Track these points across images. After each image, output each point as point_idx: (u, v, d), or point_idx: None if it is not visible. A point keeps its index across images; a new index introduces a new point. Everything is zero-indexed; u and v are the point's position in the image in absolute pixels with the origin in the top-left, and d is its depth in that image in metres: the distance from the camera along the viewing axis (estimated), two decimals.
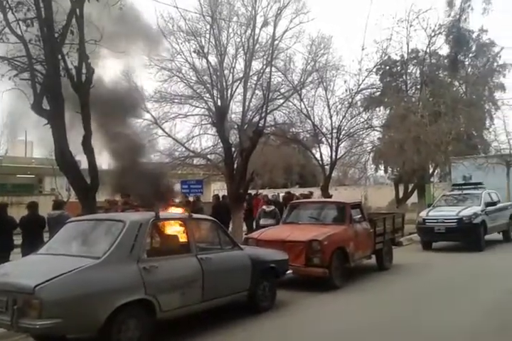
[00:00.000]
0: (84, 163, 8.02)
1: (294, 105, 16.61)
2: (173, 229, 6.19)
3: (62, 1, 7.64)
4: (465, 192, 14.15)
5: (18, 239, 8.04)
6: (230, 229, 12.13)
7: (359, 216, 9.29)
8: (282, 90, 15.84)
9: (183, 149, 15.43)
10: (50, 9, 7.36)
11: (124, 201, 9.06)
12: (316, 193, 17.79)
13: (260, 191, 19.61)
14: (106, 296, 4.56)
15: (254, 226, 12.99)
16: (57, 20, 7.65)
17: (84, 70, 7.67)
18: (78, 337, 4.93)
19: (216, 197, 13.62)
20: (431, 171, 20.94)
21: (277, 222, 11.14)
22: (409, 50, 19.16)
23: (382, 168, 24.28)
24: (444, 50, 23.40)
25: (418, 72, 19.80)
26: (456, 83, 19.97)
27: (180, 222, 6.02)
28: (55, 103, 7.49)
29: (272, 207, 12.07)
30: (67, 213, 8.18)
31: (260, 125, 13.04)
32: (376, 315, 6.29)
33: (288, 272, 7.08)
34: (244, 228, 13.72)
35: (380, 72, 20.27)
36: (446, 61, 22.77)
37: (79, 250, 5.19)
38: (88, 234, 5.46)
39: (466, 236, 12.32)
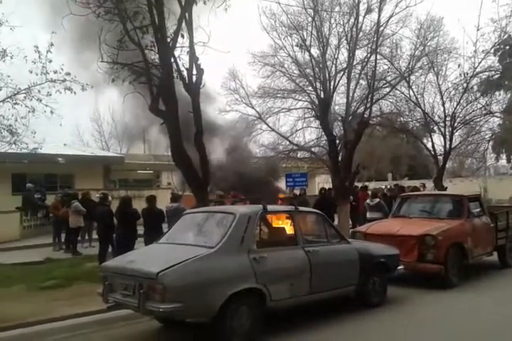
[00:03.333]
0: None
1: (402, 93, 15.89)
2: (281, 221, 6.32)
3: (172, 6, 8.16)
4: None
5: (140, 229, 8.79)
6: (335, 222, 12.00)
7: (478, 209, 8.63)
8: (388, 78, 15.23)
9: (287, 143, 15.60)
10: (162, 16, 7.89)
11: (233, 194, 9.45)
12: (429, 186, 16.84)
13: (366, 183, 19.07)
14: (220, 284, 4.79)
15: (360, 221, 12.70)
16: (168, 25, 8.18)
17: (194, 71, 8.10)
18: (195, 322, 5.28)
19: (321, 189, 13.61)
20: None
21: (384, 215, 10.79)
22: None
23: (504, 157, 22.16)
24: None
25: None
26: None
27: (287, 215, 6.13)
28: (170, 104, 8.03)
29: (377, 200, 11.68)
30: (184, 206, 8.75)
31: (365, 116, 12.66)
32: (494, 317, 5.81)
33: (399, 268, 6.84)
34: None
35: (499, 53, 18.40)
36: None
37: (195, 240, 5.52)
38: (202, 225, 5.78)
39: None
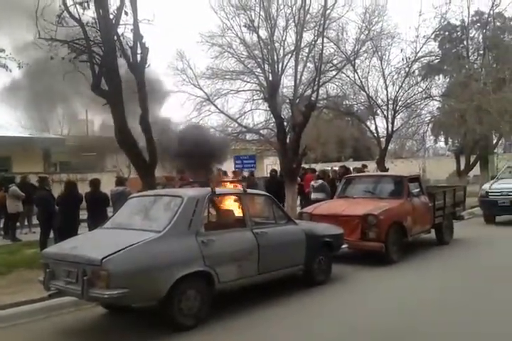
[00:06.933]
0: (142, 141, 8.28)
1: (348, 76, 16.17)
2: (229, 204, 6.34)
3: None
4: None
5: (83, 214, 8.52)
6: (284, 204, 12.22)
7: (417, 189, 9.06)
8: (335, 61, 15.41)
9: (236, 125, 15.54)
10: None
11: (180, 177, 9.33)
12: (371, 166, 17.42)
13: (313, 165, 19.44)
14: (168, 268, 4.76)
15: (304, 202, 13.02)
16: (111, 1, 7.79)
17: (139, 50, 7.82)
18: (142, 306, 5.23)
19: (272, 171, 13.84)
20: (494, 142, 19.86)
21: (327, 195, 11.16)
22: (471, 14, 17.92)
23: (442, 139, 23.31)
24: (511, 12, 21.67)
25: (481, 36, 18.52)
26: None
27: (235, 197, 6.15)
28: (113, 83, 7.72)
29: (320, 182, 12.07)
30: (129, 189, 8.55)
31: (312, 98, 12.80)
32: (432, 291, 6.17)
33: (343, 246, 7.09)
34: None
35: (439, 39, 19.11)
36: None
37: (141, 224, 5.43)
38: (149, 209, 5.70)
39: None
